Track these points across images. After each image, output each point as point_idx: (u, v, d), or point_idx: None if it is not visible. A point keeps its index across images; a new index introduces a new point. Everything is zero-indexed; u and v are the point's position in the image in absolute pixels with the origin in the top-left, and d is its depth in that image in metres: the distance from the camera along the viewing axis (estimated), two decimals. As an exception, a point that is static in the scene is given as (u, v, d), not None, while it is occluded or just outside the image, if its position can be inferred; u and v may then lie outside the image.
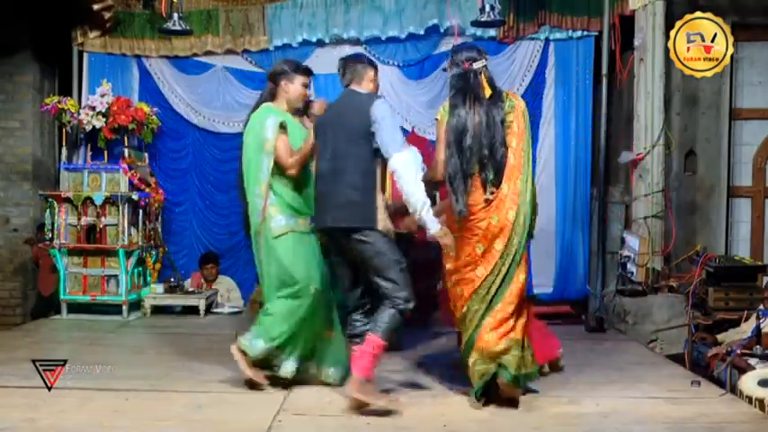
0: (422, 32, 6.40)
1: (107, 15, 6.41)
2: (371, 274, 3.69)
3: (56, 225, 6.11)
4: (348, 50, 6.55)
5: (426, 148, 6.06)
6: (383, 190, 3.84)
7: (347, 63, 3.91)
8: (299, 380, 3.97)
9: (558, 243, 6.47)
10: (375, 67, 3.92)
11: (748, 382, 3.79)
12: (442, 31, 6.39)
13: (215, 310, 6.30)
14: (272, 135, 3.84)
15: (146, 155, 6.59)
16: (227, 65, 6.65)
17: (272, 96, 4.02)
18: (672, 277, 5.65)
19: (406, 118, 6.46)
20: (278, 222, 3.85)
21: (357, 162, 3.66)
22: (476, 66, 3.66)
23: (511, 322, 3.57)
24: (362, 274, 3.81)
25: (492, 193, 3.58)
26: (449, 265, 3.72)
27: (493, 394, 3.67)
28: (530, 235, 3.66)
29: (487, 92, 3.62)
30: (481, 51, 3.74)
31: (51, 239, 6.12)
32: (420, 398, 3.82)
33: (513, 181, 3.58)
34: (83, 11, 6.42)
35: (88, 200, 6.09)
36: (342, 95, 3.90)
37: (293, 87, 4.00)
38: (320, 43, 6.52)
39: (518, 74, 6.42)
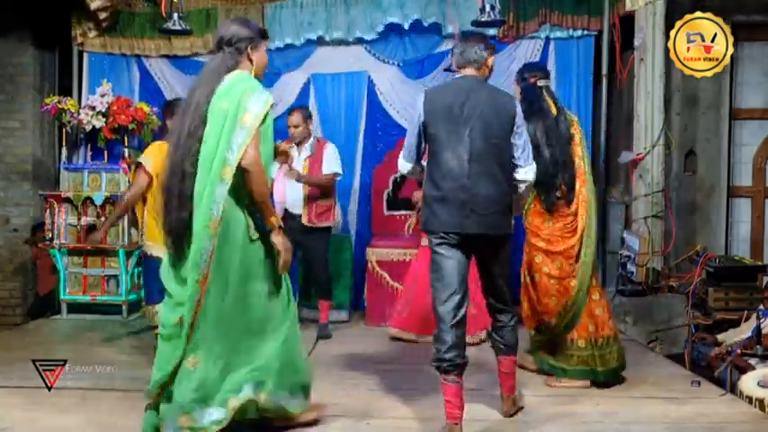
0: (424, 25, 6.37)
1: (103, 15, 6.40)
2: (500, 285, 3.47)
3: (56, 225, 6.11)
4: (349, 50, 6.58)
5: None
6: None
7: (467, 41, 3.43)
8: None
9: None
10: (494, 52, 3.52)
11: (748, 382, 3.80)
12: (443, 34, 6.37)
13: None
14: (260, 110, 3.03)
15: (146, 155, 6.58)
16: (228, 65, 6.64)
17: (234, 65, 3.20)
18: (672, 277, 5.65)
19: (405, 117, 6.47)
20: (251, 223, 3.14)
21: (500, 163, 3.31)
22: (541, 83, 4.05)
23: None
24: (486, 282, 3.50)
25: (569, 202, 4.04)
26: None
27: None
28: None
29: (554, 109, 4.04)
30: (545, 70, 4.25)
31: (51, 239, 6.12)
32: (420, 398, 3.81)
33: (581, 189, 4.05)
34: (81, 10, 6.42)
35: (88, 200, 6.09)
36: (454, 82, 3.42)
37: (260, 56, 3.26)
38: (321, 42, 6.51)
39: (518, 73, 6.42)
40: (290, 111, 5.51)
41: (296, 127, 5.29)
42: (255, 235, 3.10)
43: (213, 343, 3.03)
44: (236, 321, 3.08)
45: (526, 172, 3.41)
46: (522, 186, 3.48)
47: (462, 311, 3.24)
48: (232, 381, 3.08)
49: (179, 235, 3.06)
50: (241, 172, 2.99)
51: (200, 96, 3.11)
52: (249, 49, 3.20)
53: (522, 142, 3.38)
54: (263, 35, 3.30)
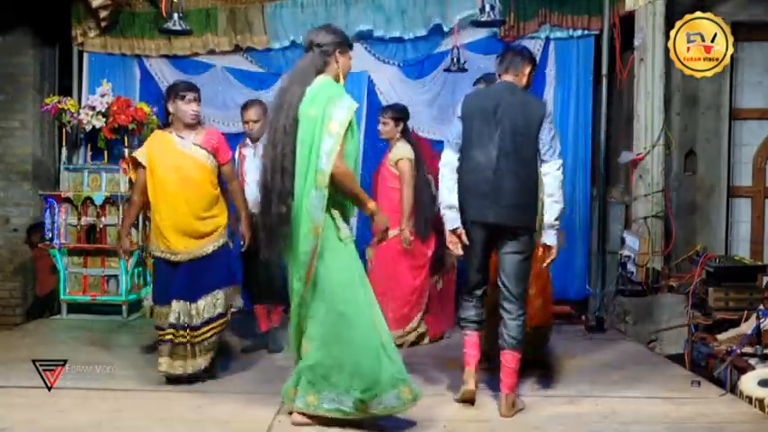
0: (424, 33, 6.38)
1: (103, 14, 6.39)
2: (512, 277, 3.65)
3: (56, 225, 6.11)
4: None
5: (427, 147, 6.10)
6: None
7: (507, 52, 3.83)
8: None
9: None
10: (534, 63, 3.87)
11: (748, 382, 3.80)
12: (446, 30, 6.35)
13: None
14: (344, 117, 3.24)
15: (146, 155, 6.58)
16: (228, 65, 6.64)
17: (323, 67, 3.38)
18: (672, 277, 5.65)
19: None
20: (344, 225, 3.38)
21: (527, 161, 3.63)
22: None
23: None
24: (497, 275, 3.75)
25: None
26: None
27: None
28: None
29: None
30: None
31: (51, 239, 6.12)
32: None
33: None
34: (82, 8, 6.43)
35: (88, 200, 6.09)
36: (493, 87, 3.85)
37: (344, 60, 3.43)
38: (321, 42, 6.50)
39: (518, 73, 6.42)
40: (245, 104, 4.96)
41: (255, 122, 4.82)
42: (345, 235, 3.32)
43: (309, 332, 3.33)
44: (324, 317, 3.29)
45: (549, 166, 3.64)
46: (549, 179, 3.64)
47: (480, 291, 3.78)
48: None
49: (275, 230, 3.27)
50: (331, 178, 3.20)
51: (291, 97, 3.30)
52: (337, 53, 3.39)
53: (548, 139, 3.64)
54: (350, 43, 3.51)
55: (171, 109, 4.15)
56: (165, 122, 4.29)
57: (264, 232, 3.34)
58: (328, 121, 3.19)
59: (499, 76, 3.80)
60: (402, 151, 5.10)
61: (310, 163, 3.20)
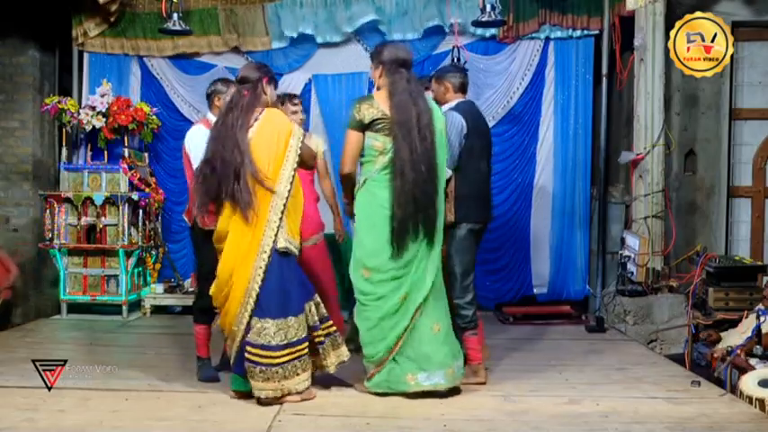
0: (422, 34, 6.39)
1: (113, 8, 6.38)
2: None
3: (56, 225, 6.11)
4: (349, 50, 6.57)
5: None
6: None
7: (458, 71, 4.30)
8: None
9: (557, 243, 6.47)
10: None
11: (748, 382, 3.79)
12: (447, 30, 6.35)
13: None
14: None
15: (146, 155, 6.59)
16: (229, 65, 6.63)
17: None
18: (672, 277, 5.66)
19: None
20: None
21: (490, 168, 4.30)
22: None
23: None
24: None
25: None
26: None
27: None
28: None
29: None
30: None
31: (51, 239, 6.13)
32: (420, 398, 3.81)
33: None
34: (85, 8, 6.42)
35: (88, 200, 6.09)
36: (471, 105, 4.23)
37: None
38: (321, 43, 6.51)
39: (518, 73, 6.42)
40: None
41: None
42: None
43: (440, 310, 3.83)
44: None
45: None
46: None
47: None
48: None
49: (427, 224, 3.71)
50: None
51: (422, 114, 3.71)
52: None
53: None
54: None
55: (267, 91, 3.74)
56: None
57: (412, 226, 3.70)
58: (445, 136, 3.88)
59: (456, 93, 4.19)
60: None
61: (442, 167, 3.80)
